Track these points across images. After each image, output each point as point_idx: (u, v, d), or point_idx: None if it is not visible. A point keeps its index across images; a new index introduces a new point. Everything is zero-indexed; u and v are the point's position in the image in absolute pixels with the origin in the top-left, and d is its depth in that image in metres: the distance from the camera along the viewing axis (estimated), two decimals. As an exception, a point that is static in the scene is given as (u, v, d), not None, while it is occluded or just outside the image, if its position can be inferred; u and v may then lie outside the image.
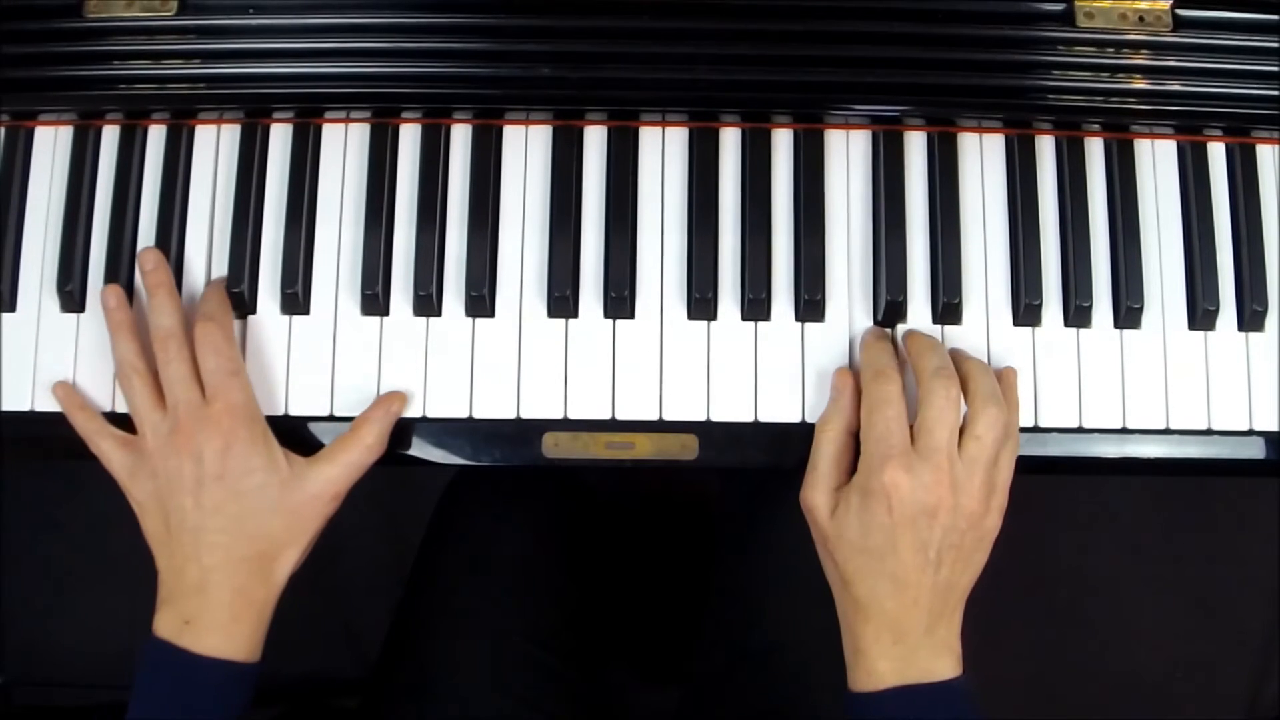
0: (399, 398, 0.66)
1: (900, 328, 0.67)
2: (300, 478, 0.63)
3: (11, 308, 0.68)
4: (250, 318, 0.68)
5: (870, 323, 0.68)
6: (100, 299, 0.67)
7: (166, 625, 0.61)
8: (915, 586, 0.59)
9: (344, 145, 0.69)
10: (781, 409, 0.67)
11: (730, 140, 0.69)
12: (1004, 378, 0.65)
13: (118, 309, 0.66)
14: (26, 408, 0.67)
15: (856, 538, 0.60)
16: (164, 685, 0.61)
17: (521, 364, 0.67)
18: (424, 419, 0.67)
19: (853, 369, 0.66)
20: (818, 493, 0.62)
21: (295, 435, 0.66)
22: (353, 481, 0.65)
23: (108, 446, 0.64)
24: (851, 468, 0.63)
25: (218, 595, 0.61)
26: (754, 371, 0.67)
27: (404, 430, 0.67)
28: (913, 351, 0.64)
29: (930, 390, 0.60)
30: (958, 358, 0.65)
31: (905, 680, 0.59)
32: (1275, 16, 0.68)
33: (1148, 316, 0.68)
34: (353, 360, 0.67)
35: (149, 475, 0.62)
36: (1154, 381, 0.67)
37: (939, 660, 0.60)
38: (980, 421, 0.60)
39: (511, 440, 0.67)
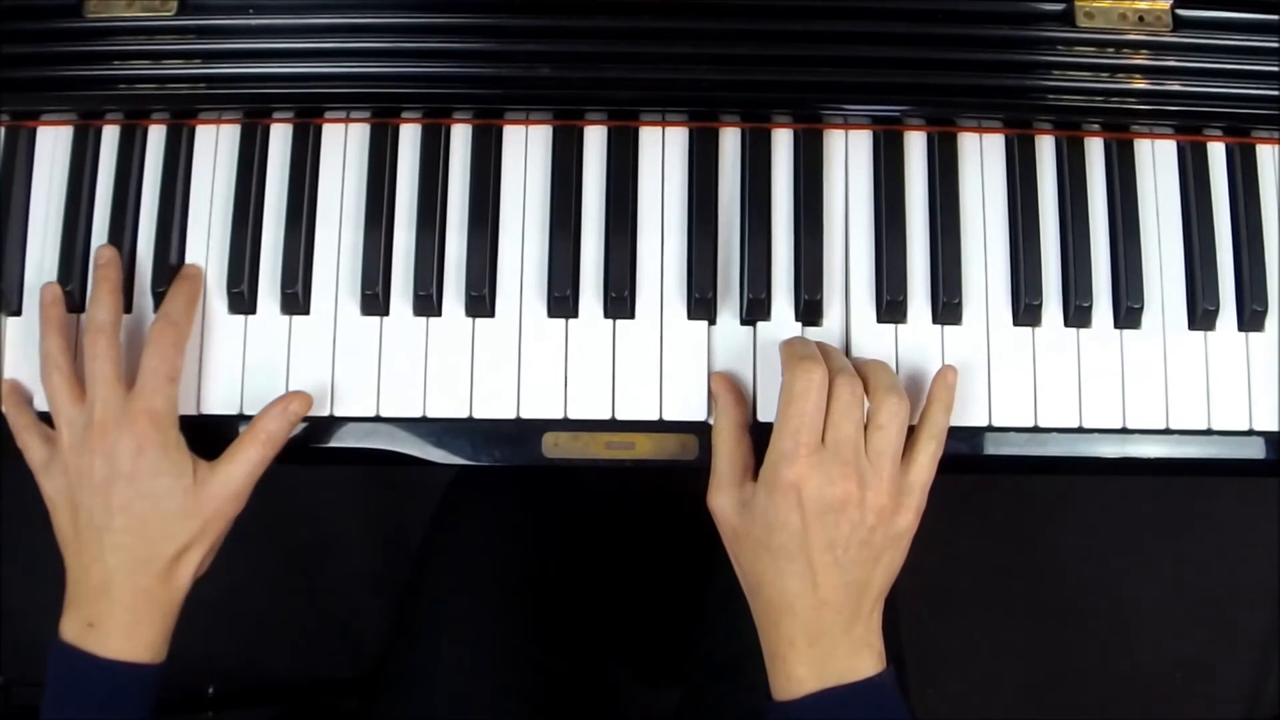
0: (300, 397, 0.66)
1: (900, 328, 0.68)
2: (203, 481, 0.63)
3: (14, 309, 0.68)
4: (250, 318, 0.68)
5: (871, 323, 0.68)
6: (40, 295, 0.67)
7: (71, 628, 0.62)
8: (826, 587, 0.58)
9: (344, 145, 0.69)
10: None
11: (730, 140, 0.69)
12: (943, 376, 0.65)
13: (52, 305, 0.67)
14: (27, 408, 0.67)
15: (763, 536, 0.59)
16: (72, 689, 0.61)
17: (521, 364, 0.67)
18: (424, 419, 0.67)
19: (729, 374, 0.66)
20: (720, 494, 0.61)
21: (295, 435, 0.66)
22: (253, 479, 0.65)
23: (29, 439, 0.65)
24: (752, 462, 0.62)
25: (120, 597, 0.61)
26: (754, 372, 0.67)
27: (404, 430, 0.67)
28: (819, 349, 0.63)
29: (835, 386, 0.59)
30: (856, 359, 0.65)
31: (825, 683, 0.58)
32: (1275, 16, 0.68)
33: (1148, 316, 0.68)
34: (353, 360, 0.67)
35: (61, 470, 0.63)
36: (1154, 381, 0.67)
37: (858, 658, 0.59)
38: (882, 411, 0.59)
39: (511, 440, 0.67)
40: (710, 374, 0.66)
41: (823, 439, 0.59)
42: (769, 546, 0.59)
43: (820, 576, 0.58)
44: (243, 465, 0.64)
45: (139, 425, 0.62)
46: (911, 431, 0.62)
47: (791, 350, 0.62)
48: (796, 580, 0.58)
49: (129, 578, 0.62)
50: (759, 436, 0.63)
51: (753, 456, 0.63)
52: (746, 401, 0.65)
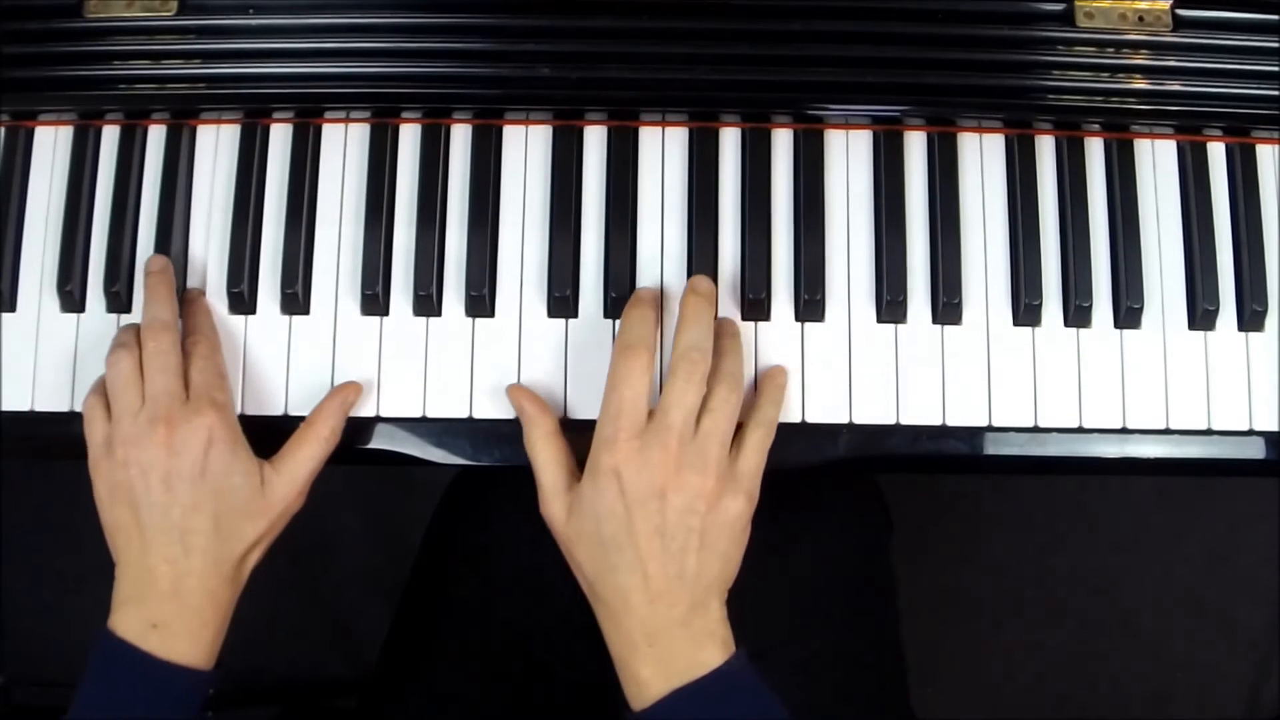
0: (354, 388, 0.66)
1: (900, 328, 0.68)
2: (269, 480, 0.63)
3: (11, 308, 0.68)
4: (250, 318, 0.68)
5: (871, 323, 0.68)
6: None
7: (130, 626, 0.60)
8: (657, 578, 0.58)
9: (344, 145, 0.69)
10: (781, 409, 0.66)
11: (730, 140, 0.69)
12: (772, 377, 0.65)
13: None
14: (26, 408, 0.67)
15: (592, 529, 0.59)
16: (121, 689, 0.59)
17: (521, 364, 0.67)
18: (424, 419, 0.67)
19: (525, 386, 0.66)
20: (550, 504, 0.61)
21: (295, 435, 0.66)
22: (315, 473, 0.64)
23: (94, 413, 0.63)
24: (574, 464, 0.62)
25: (192, 600, 0.60)
26: (754, 372, 0.67)
27: (404, 430, 0.67)
28: (681, 317, 0.63)
29: (675, 368, 0.60)
30: (721, 333, 0.64)
31: (672, 684, 0.57)
32: (1275, 16, 0.68)
33: (1148, 316, 0.68)
34: (353, 360, 0.67)
35: (121, 462, 0.61)
36: (1154, 381, 0.67)
37: (701, 651, 0.58)
38: (714, 397, 0.60)
39: (511, 440, 0.67)
40: (507, 388, 0.66)
41: (652, 420, 0.59)
42: (601, 540, 0.59)
43: (650, 567, 0.58)
44: (307, 463, 0.64)
45: (207, 420, 0.61)
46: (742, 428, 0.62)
47: (621, 332, 0.63)
48: (628, 574, 0.58)
49: (202, 580, 0.60)
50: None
51: (573, 458, 0.63)
52: (550, 407, 0.65)
